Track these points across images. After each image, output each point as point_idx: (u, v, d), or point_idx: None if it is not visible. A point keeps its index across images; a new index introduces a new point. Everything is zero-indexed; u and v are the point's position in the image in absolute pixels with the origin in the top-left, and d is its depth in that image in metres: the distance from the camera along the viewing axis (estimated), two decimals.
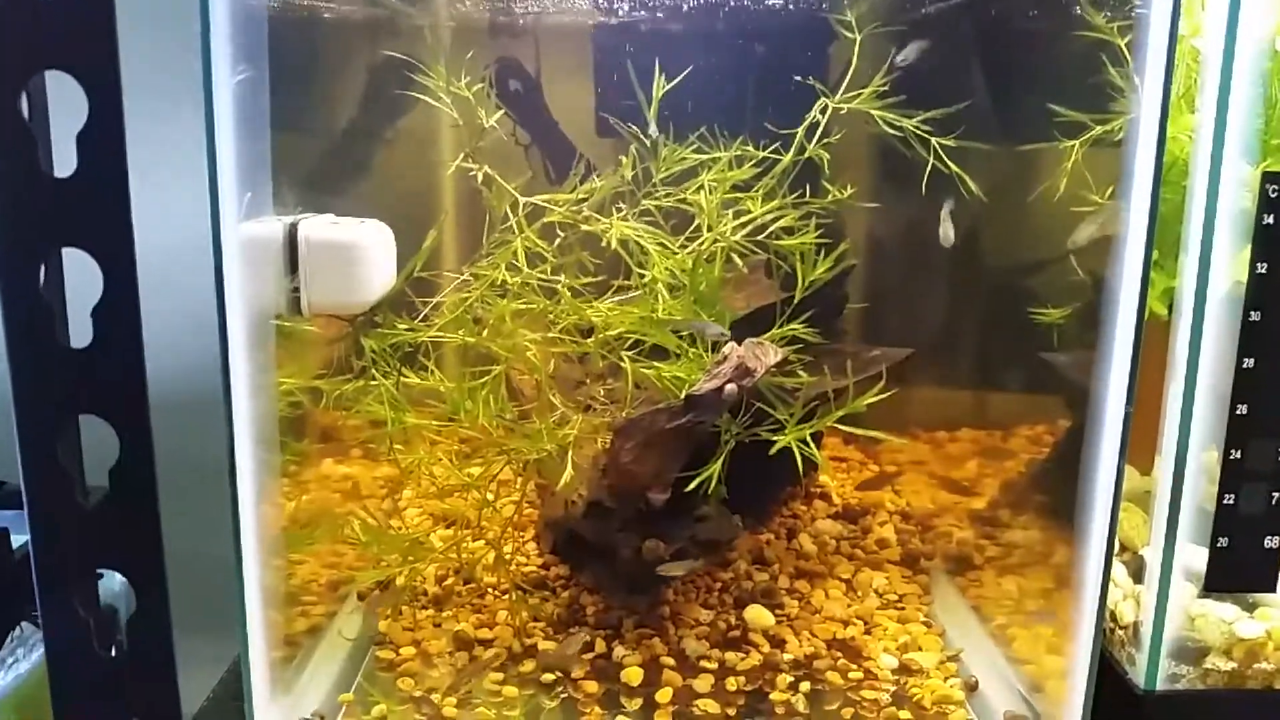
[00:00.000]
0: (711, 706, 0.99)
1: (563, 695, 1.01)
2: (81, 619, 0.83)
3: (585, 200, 1.09)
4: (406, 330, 1.06)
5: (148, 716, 0.85)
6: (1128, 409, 0.87)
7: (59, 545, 0.81)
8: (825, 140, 1.11)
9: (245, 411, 0.85)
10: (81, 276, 0.80)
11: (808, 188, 1.14)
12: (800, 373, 1.06)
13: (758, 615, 1.12)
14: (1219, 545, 0.94)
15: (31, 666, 1.28)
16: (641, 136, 1.12)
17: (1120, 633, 1.02)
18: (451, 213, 1.24)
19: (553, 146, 1.41)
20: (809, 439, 1.00)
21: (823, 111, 1.11)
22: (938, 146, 1.08)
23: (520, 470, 1.14)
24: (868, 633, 1.12)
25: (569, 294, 1.08)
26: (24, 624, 1.26)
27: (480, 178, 1.07)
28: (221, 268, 0.82)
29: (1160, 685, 0.96)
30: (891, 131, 1.09)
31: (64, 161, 0.78)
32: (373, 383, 1.04)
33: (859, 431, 1.00)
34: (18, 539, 1.24)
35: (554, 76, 1.40)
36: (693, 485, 1.01)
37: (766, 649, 1.08)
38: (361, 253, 0.98)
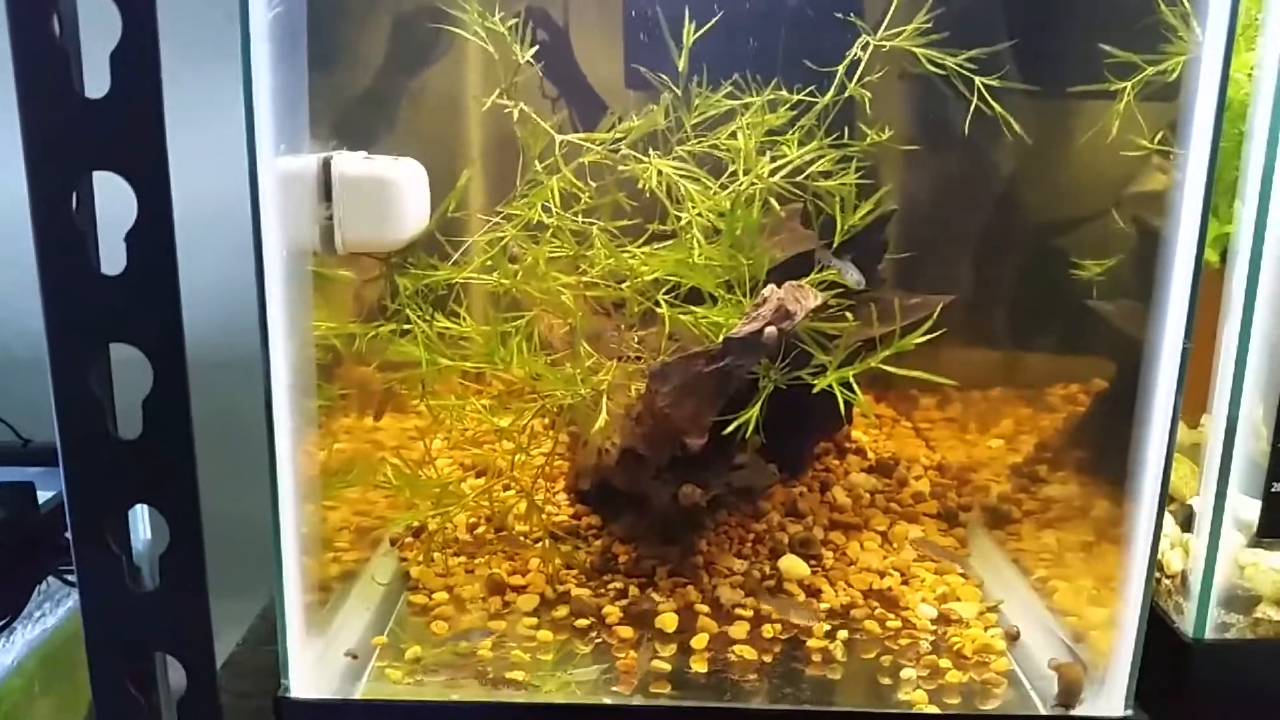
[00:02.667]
0: (748, 653, 0.98)
1: (597, 640, 1.00)
2: (114, 553, 0.82)
3: (621, 140, 1.06)
4: (441, 272, 1.04)
5: (180, 653, 0.83)
6: (1186, 344, 0.84)
7: (91, 476, 0.80)
8: (865, 79, 1.08)
9: (282, 352, 0.83)
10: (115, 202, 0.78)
11: (846, 130, 1.12)
12: (847, 315, 1.04)
13: (792, 565, 1.11)
14: (1273, 490, 0.91)
15: (58, 621, 1.28)
16: (672, 87, 1.09)
17: (1167, 582, 1.00)
18: (482, 155, 1.22)
19: (580, 99, 1.39)
20: (851, 381, 0.98)
21: (863, 49, 1.08)
22: (981, 87, 1.05)
23: (553, 418, 1.12)
24: (905, 583, 1.10)
25: (605, 237, 1.06)
26: (50, 578, 1.26)
27: (515, 115, 1.05)
28: (258, 200, 0.80)
29: (1209, 634, 0.95)
30: (933, 70, 1.06)
31: (97, 85, 0.76)
32: (407, 326, 1.02)
33: (903, 372, 0.98)
34: (44, 494, 1.24)
35: (581, 27, 1.37)
36: (731, 428, 0.99)
37: (802, 598, 1.07)
38: (397, 189, 0.96)
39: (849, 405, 1.01)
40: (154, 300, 0.77)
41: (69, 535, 1.27)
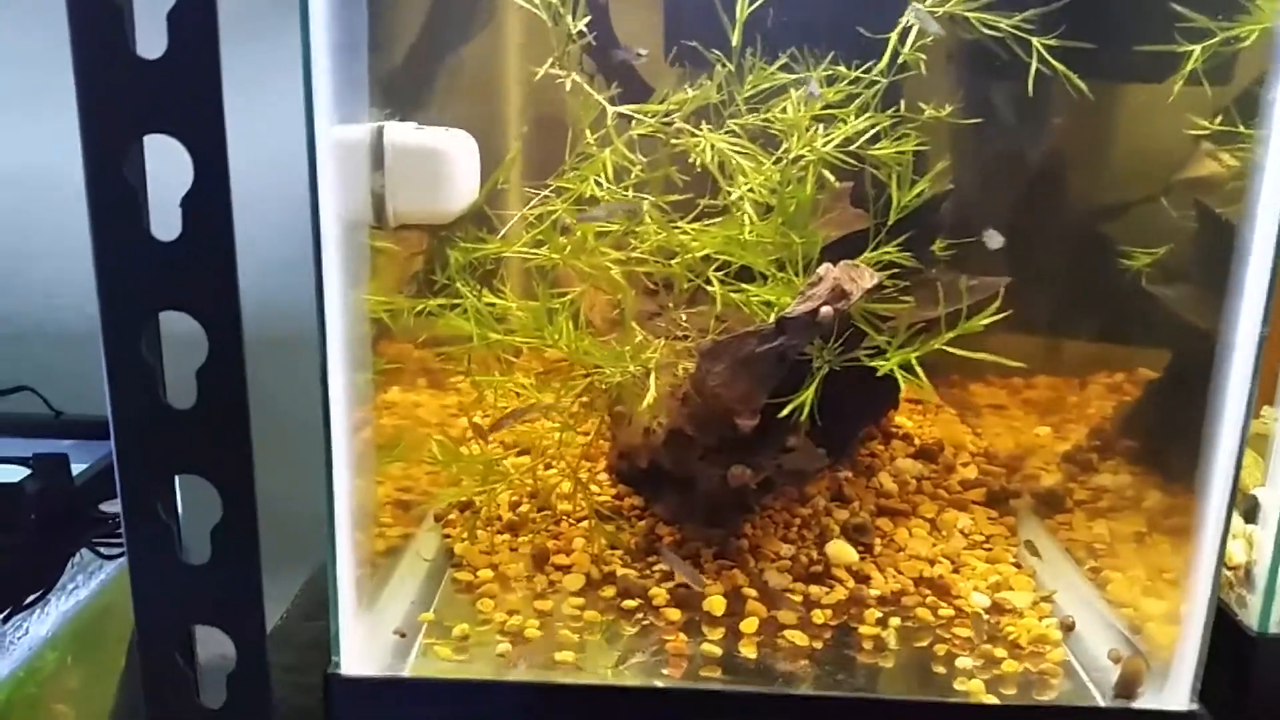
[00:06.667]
0: (799, 638, 0.96)
1: (644, 622, 0.98)
2: (165, 524, 0.80)
3: (675, 112, 1.04)
4: (491, 246, 1.02)
5: (231, 627, 0.82)
6: (1263, 331, 0.81)
7: (142, 446, 0.78)
8: (919, 43, 1.04)
9: (338, 325, 0.81)
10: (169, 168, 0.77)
11: (899, 107, 1.09)
12: (903, 298, 1.02)
13: (840, 551, 1.09)
14: None
15: (91, 594, 1.27)
16: (725, 60, 1.06)
17: (1229, 574, 0.97)
18: (529, 129, 1.20)
19: (621, 77, 1.36)
20: (914, 364, 0.96)
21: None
22: (1039, 47, 1.01)
23: (596, 397, 1.10)
24: (955, 571, 1.08)
25: (656, 213, 1.04)
26: (84, 550, 1.25)
27: (568, 86, 1.03)
28: (315, 169, 0.78)
29: (1274, 628, 0.92)
30: (987, 33, 1.02)
31: (153, 44, 0.74)
32: (456, 299, 1.01)
33: (966, 354, 0.95)
34: (77, 467, 1.24)
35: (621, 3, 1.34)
36: (785, 412, 0.97)
37: (851, 584, 1.05)
38: (448, 160, 0.94)
39: (898, 389, 0.99)
40: (209, 267, 0.75)
41: (103, 508, 1.28)
